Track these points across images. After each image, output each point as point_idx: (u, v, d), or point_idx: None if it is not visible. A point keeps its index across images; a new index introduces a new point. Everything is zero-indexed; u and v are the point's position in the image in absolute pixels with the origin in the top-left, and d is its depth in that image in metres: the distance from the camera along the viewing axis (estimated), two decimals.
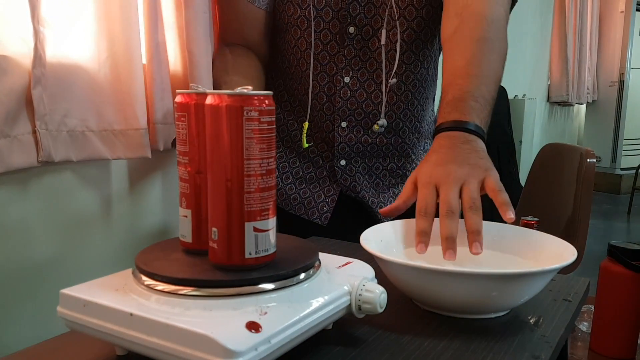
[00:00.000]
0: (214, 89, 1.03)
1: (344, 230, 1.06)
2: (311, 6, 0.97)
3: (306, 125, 1.01)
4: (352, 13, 0.98)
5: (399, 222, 0.78)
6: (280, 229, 1.09)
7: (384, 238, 0.74)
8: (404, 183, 1.10)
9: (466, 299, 0.62)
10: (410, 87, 1.06)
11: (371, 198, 1.09)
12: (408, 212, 1.02)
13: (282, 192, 1.09)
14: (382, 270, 0.67)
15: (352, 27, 0.99)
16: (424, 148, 1.15)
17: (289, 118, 1.09)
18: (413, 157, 1.13)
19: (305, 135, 1.01)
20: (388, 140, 1.07)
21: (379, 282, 0.67)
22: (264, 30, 1.05)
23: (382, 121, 1.00)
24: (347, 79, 1.01)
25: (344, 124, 1.03)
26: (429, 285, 0.63)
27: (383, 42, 0.99)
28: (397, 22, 0.98)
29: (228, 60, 1.03)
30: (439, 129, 0.78)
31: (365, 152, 1.07)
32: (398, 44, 0.99)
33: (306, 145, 1.02)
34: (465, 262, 0.68)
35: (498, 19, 0.90)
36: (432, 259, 0.67)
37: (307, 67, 1.01)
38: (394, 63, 1.00)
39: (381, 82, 1.02)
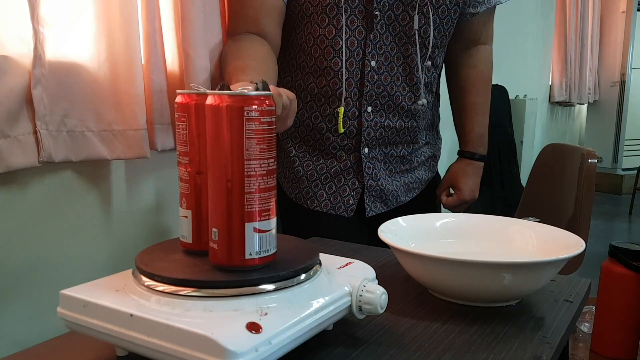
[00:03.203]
0: (223, 76, 1.03)
1: (365, 222, 1.11)
2: None
3: (342, 110, 1.04)
4: None
5: (411, 217, 0.83)
6: (305, 228, 1.11)
7: (398, 232, 0.78)
8: (410, 170, 1.18)
9: (478, 288, 0.65)
10: (427, 70, 1.10)
11: (387, 186, 1.13)
12: (419, 210, 1.10)
13: (307, 190, 1.11)
14: (398, 261, 0.72)
15: (377, 12, 1.01)
16: (426, 140, 1.21)
17: (311, 111, 1.09)
18: (417, 145, 1.18)
19: (341, 119, 1.04)
20: (406, 125, 1.11)
21: (394, 273, 0.68)
22: (279, 22, 1.04)
23: (423, 100, 1.08)
24: (373, 63, 1.04)
25: (369, 109, 1.06)
26: (444, 274, 0.66)
27: (417, 26, 1.04)
28: (429, 7, 1.03)
29: (239, 46, 1.00)
30: (470, 154, 1.22)
31: (385, 138, 1.10)
32: (429, 27, 1.04)
33: (342, 130, 1.05)
34: (476, 253, 0.77)
35: (491, 54, 1.25)
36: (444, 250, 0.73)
37: (334, 55, 1.03)
38: (428, 46, 1.06)
39: (401, 65, 1.06)
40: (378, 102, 1.06)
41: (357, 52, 1.03)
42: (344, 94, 1.04)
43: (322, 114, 1.08)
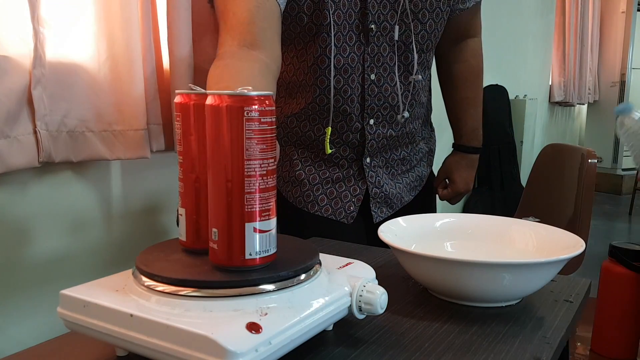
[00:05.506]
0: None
1: (367, 227, 1.11)
2: (338, 10, 0.99)
3: (329, 130, 1.03)
4: (372, 11, 1.00)
5: (411, 218, 0.83)
6: (305, 232, 1.09)
7: (398, 232, 0.78)
8: (410, 170, 1.19)
9: (478, 288, 0.65)
10: (425, 76, 1.11)
11: (390, 190, 1.13)
12: (419, 206, 1.20)
13: (309, 194, 1.11)
14: (398, 261, 0.72)
15: (372, 25, 1.01)
16: (422, 136, 1.21)
17: (313, 124, 1.09)
18: (415, 143, 1.19)
19: (328, 140, 1.03)
20: (405, 130, 1.12)
21: (394, 273, 0.67)
22: (277, 31, 0.90)
23: (406, 113, 1.08)
24: (373, 76, 1.04)
25: (372, 121, 1.06)
26: (444, 274, 0.65)
27: (414, 33, 1.03)
28: (425, 11, 1.03)
29: (224, 65, 0.84)
30: (464, 147, 1.25)
31: (386, 146, 1.11)
32: (427, 32, 1.04)
33: (329, 151, 1.04)
34: (476, 253, 0.77)
35: (481, 45, 1.25)
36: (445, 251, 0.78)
37: (336, 73, 1.02)
38: (426, 51, 1.06)
39: (402, 74, 1.06)
40: (380, 114, 1.06)
41: (357, 67, 1.02)
42: (341, 110, 1.04)
43: (324, 127, 1.08)
